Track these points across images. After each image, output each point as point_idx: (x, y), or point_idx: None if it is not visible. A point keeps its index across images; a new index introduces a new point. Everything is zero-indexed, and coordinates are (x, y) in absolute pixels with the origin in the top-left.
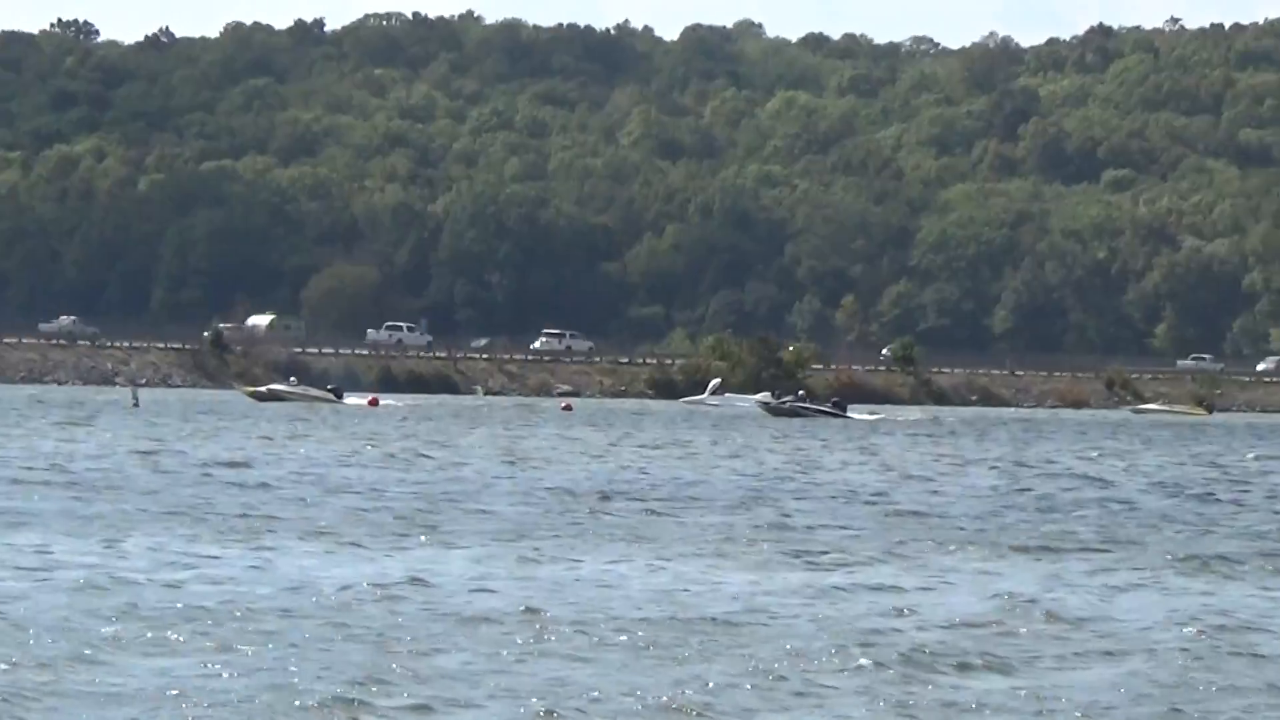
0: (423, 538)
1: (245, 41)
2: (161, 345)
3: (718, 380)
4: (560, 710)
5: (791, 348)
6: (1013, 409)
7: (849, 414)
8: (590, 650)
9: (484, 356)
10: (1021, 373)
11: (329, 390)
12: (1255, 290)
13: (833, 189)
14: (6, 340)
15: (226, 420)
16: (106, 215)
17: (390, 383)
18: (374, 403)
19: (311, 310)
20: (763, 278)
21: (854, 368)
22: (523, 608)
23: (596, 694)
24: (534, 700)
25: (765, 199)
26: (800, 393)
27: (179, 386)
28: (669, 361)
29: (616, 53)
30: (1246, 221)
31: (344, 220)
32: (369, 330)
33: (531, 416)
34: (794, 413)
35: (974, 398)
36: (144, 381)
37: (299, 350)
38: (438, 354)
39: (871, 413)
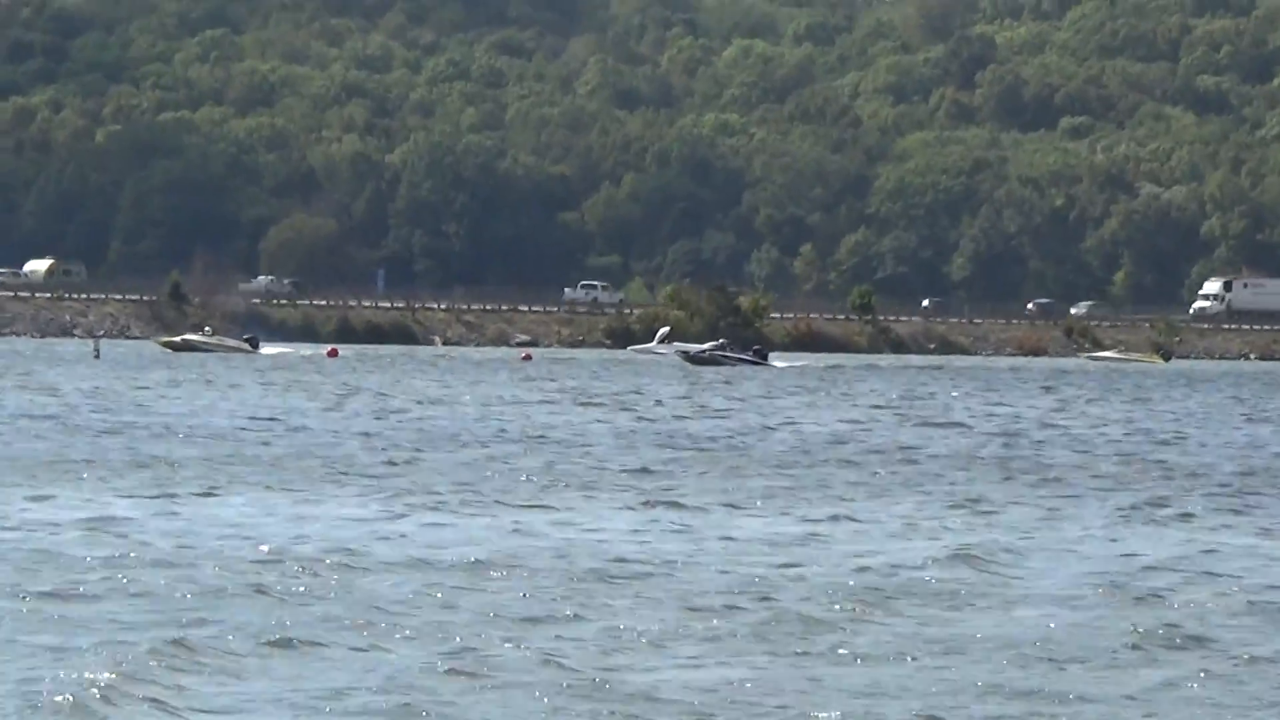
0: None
1: None
2: (119, 296)
3: (666, 329)
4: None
5: (752, 297)
6: (970, 357)
7: (770, 363)
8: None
9: (441, 306)
10: (980, 320)
11: (245, 340)
12: (1213, 237)
13: (790, 137)
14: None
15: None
16: (64, 167)
17: (349, 334)
18: (333, 353)
19: (270, 260)
20: (720, 227)
21: (812, 316)
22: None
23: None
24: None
25: (723, 148)
26: (722, 341)
27: (138, 338)
28: (627, 311)
29: (573, 2)
30: (1204, 168)
31: (301, 171)
32: (565, 289)
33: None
34: (713, 361)
35: (932, 346)
36: (102, 333)
37: (258, 301)
38: (395, 304)
39: (799, 362)
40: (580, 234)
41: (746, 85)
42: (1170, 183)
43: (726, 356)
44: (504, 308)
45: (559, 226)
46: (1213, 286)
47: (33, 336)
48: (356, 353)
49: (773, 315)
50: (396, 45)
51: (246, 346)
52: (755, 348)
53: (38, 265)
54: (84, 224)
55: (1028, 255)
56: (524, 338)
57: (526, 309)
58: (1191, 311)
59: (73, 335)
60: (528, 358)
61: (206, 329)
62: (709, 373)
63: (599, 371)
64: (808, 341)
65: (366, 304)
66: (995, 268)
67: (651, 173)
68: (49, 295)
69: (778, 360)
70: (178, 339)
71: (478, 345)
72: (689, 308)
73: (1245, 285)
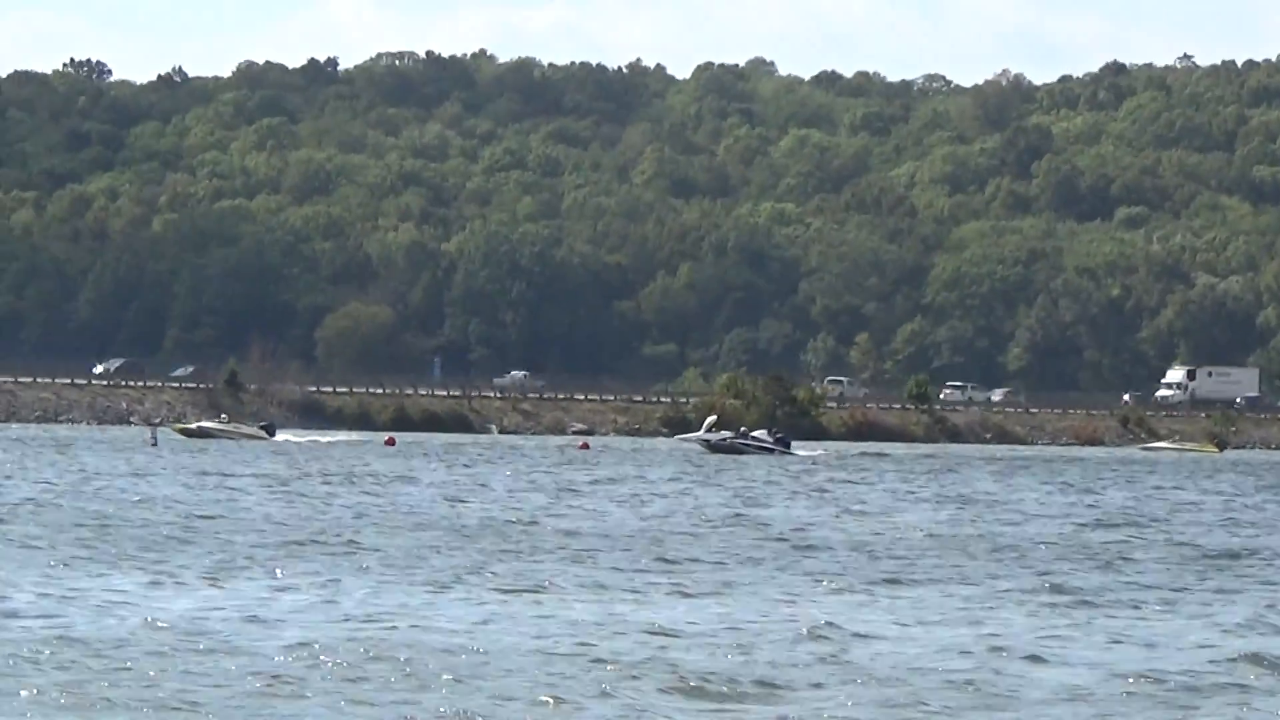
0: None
1: (258, 81)
2: (176, 384)
3: (713, 418)
4: None
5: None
6: (1027, 446)
7: (792, 450)
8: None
9: (498, 395)
10: (1036, 410)
11: (261, 427)
12: (1269, 327)
13: (846, 227)
14: (21, 380)
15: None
16: (120, 255)
17: (405, 422)
18: (390, 442)
19: (326, 348)
20: (777, 315)
21: (869, 405)
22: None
23: None
24: None
25: (779, 237)
26: (742, 429)
27: None
28: (683, 400)
29: (629, 91)
30: (1260, 258)
31: (357, 259)
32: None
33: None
34: (732, 449)
35: (989, 435)
36: (159, 421)
37: (313, 389)
38: (451, 392)
39: (820, 451)
40: (636, 323)
41: (803, 175)
42: (1226, 273)
43: (746, 444)
44: (560, 396)
45: (615, 315)
46: (1176, 375)
47: (89, 424)
48: (412, 440)
49: (829, 404)
50: (453, 134)
51: (262, 434)
52: (779, 435)
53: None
54: (140, 312)
55: (1084, 345)
56: (580, 426)
57: (583, 397)
58: (1156, 399)
59: (129, 423)
60: (585, 446)
61: (223, 416)
62: (716, 461)
63: (598, 460)
64: (864, 431)
65: (423, 392)
66: (1051, 357)
67: (707, 262)
68: (105, 383)
69: (801, 448)
70: (193, 426)
71: (534, 434)
72: (745, 397)
73: (1210, 374)
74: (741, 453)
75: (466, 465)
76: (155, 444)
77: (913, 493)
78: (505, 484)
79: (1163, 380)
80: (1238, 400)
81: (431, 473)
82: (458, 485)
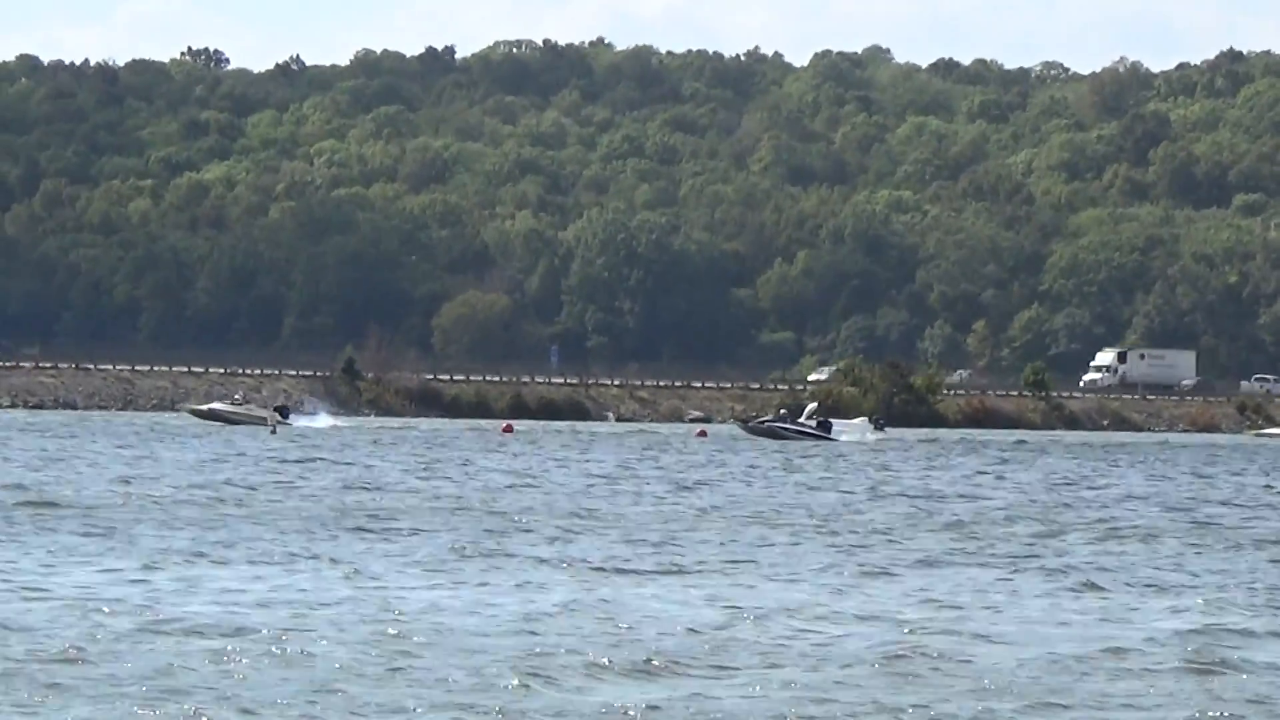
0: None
1: (375, 69)
2: (294, 373)
3: (814, 405)
4: None
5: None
6: (1143, 433)
7: (832, 436)
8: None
9: (615, 383)
10: (1153, 397)
11: (275, 410)
12: None
13: (964, 214)
14: (139, 368)
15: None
16: (237, 243)
17: (523, 410)
18: (508, 429)
19: (443, 337)
20: (894, 303)
21: (986, 392)
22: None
23: None
24: None
25: (896, 224)
26: (782, 412)
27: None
28: (800, 387)
29: (746, 79)
30: None
31: (475, 247)
32: (1242, 382)
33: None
34: (771, 433)
35: (1105, 422)
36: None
37: (430, 377)
38: (569, 380)
39: (862, 435)
40: (753, 310)
41: (920, 162)
42: None
43: (785, 428)
44: (677, 384)
45: (732, 303)
46: (1106, 358)
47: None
48: (528, 428)
49: (945, 392)
50: (570, 122)
51: (277, 416)
52: (819, 419)
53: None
54: (257, 300)
55: (1200, 331)
56: (697, 414)
57: (700, 385)
58: (1082, 384)
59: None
60: (703, 434)
61: (236, 397)
62: (766, 445)
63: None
64: (981, 418)
65: (540, 380)
66: (1168, 344)
67: (825, 249)
68: (222, 370)
69: (844, 432)
70: (204, 408)
71: (651, 421)
72: (862, 384)
73: (1142, 356)
74: (780, 437)
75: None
76: (274, 432)
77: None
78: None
79: (1092, 364)
80: (1180, 384)
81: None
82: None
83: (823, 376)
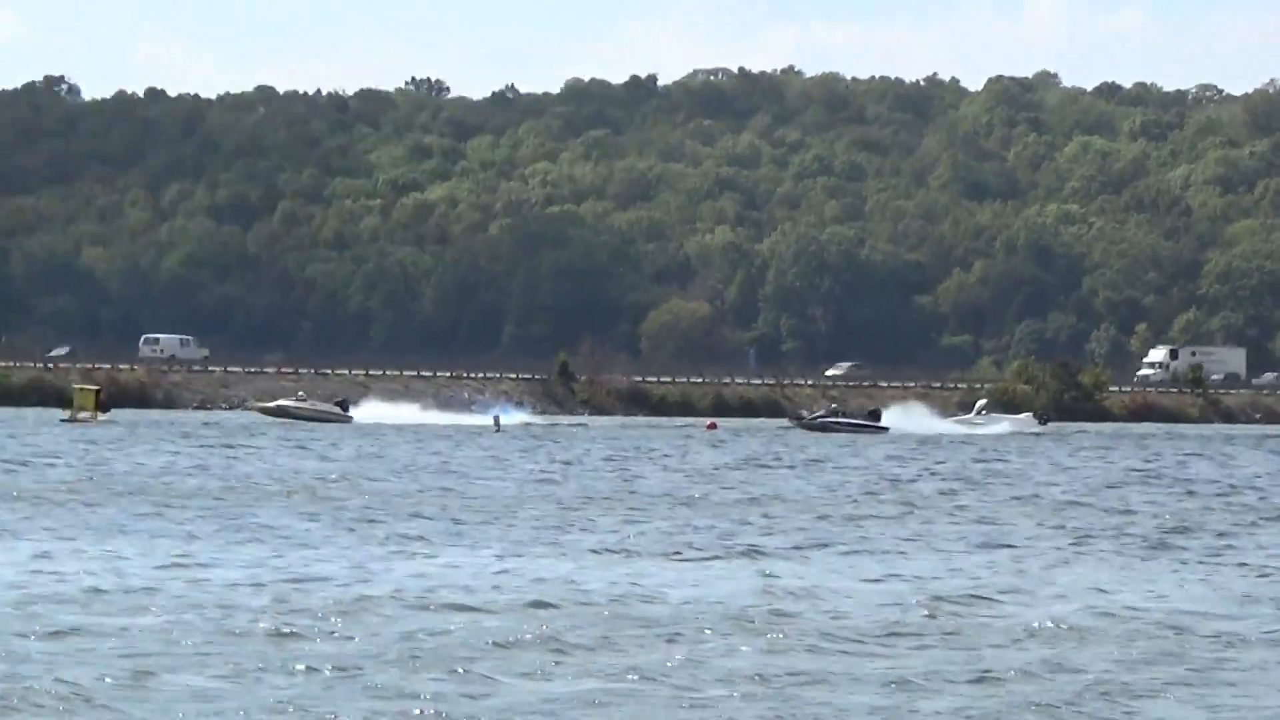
0: None
1: (584, 96)
2: (513, 376)
3: (983, 401)
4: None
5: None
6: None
7: (880, 426)
8: None
9: (808, 383)
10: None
11: (336, 404)
12: None
13: (1126, 226)
14: (372, 372)
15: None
16: (460, 257)
17: (724, 408)
18: (712, 426)
19: (650, 342)
20: (1063, 308)
21: (1147, 390)
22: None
23: None
24: None
25: (1064, 235)
26: (833, 407)
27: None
28: (977, 386)
29: (926, 102)
30: None
31: (678, 260)
32: None
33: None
34: (824, 428)
35: (1258, 416)
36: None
37: (638, 379)
38: (765, 380)
39: (1025, 426)
40: (934, 316)
41: (1086, 178)
42: None
43: (837, 423)
44: (865, 384)
45: (915, 309)
46: (1159, 354)
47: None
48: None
49: (1111, 389)
50: (764, 144)
51: (338, 410)
52: (871, 410)
53: (61, 350)
54: (478, 309)
55: None
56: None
57: (886, 384)
58: (1135, 379)
59: (470, 410)
60: (713, 425)
61: (300, 394)
62: (819, 437)
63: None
64: (1144, 413)
65: (739, 381)
66: None
67: (999, 259)
68: (448, 374)
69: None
70: (272, 405)
71: None
72: (1034, 383)
73: (1193, 354)
74: (832, 430)
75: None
76: (499, 430)
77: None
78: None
79: (1145, 360)
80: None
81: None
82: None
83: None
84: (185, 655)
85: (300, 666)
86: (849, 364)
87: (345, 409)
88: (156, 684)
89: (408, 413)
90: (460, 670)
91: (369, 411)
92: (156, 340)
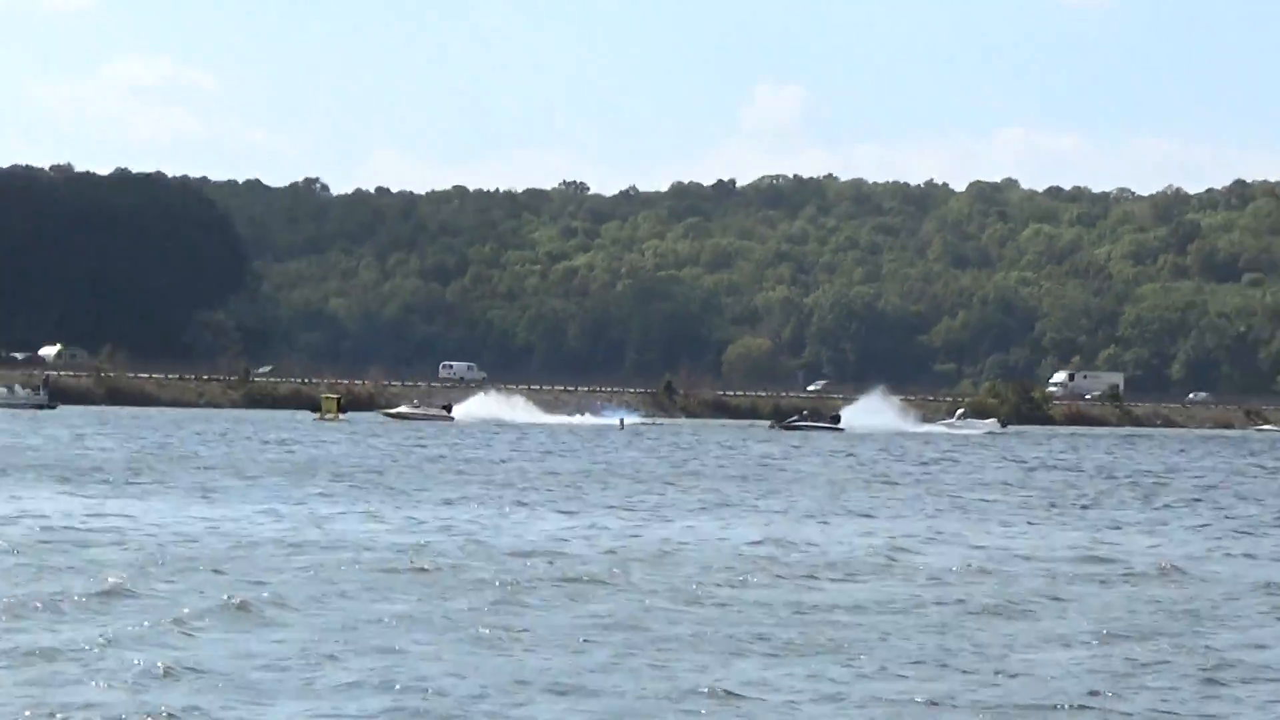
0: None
1: (685, 193)
2: (633, 390)
3: (962, 410)
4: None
5: None
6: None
7: (838, 427)
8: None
9: (840, 397)
10: (1173, 405)
11: (442, 408)
12: None
13: (1066, 287)
14: (533, 387)
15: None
16: (595, 306)
17: (781, 414)
18: (773, 426)
19: (729, 366)
20: (1020, 345)
21: (1078, 402)
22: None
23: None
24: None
25: (1022, 294)
26: (804, 412)
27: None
28: (960, 399)
29: (925, 199)
30: None
31: (749, 309)
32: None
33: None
34: (794, 428)
35: (1159, 421)
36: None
37: (721, 393)
38: (810, 394)
39: (990, 429)
40: (930, 350)
41: (1038, 253)
42: None
43: (803, 425)
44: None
45: (916, 345)
46: (1060, 376)
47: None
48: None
49: (1054, 402)
50: (810, 228)
51: (445, 414)
52: (833, 414)
53: (49, 350)
54: (608, 343)
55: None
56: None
57: (896, 398)
58: (1045, 393)
59: (601, 415)
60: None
61: (415, 401)
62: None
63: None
64: (1078, 419)
65: (792, 394)
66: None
67: (976, 310)
68: (587, 389)
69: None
70: (393, 410)
71: None
72: (1000, 398)
73: (1084, 376)
74: (800, 429)
75: None
76: (622, 428)
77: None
78: None
79: (1050, 380)
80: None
81: None
82: None
83: (815, 388)
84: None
85: None
86: (880, 386)
87: (449, 410)
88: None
89: (521, 413)
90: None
91: (468, 410)
92: (450, 366)
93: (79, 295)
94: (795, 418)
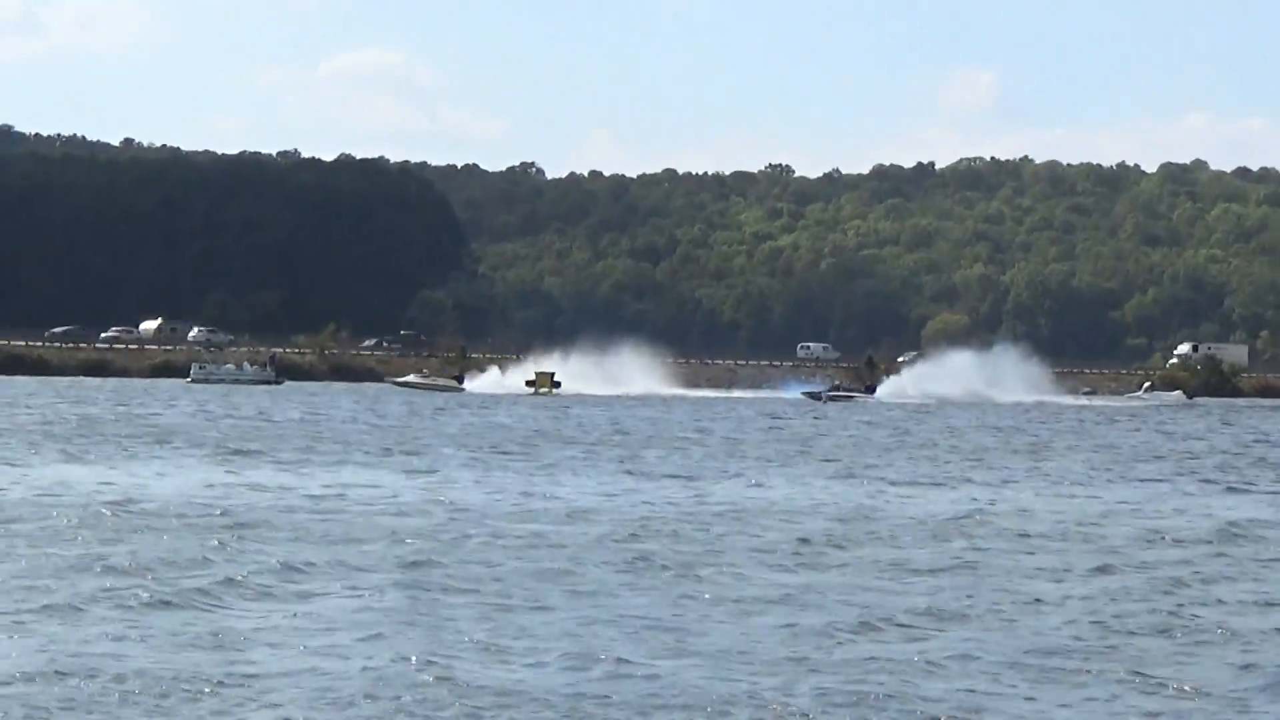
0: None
1: (885, 175)
2: (777, 364)
3: (1149, 383)
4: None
5: None
6: None
7: (873, 396)
8: None
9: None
10: None
11: (453, 378)
12: None
13: (1253, 264)
14: (739, 362)
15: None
16: (800, 285)
17: None
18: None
19: (927, 341)
20: (1210, 320)
21: (1268, 376)
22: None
23: None
24: None
25: (1211, 271)
26: (836, 383)
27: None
28: (1151, 373)
29: (1117, 180)
30: None
31: (948, 286)
32: None
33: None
34: (834, 399)
35: None
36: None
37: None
38: None
39: (1178, 400)
40: (1122, 325)
41: (1226, 231)
42: None
43: (838, 395)
44: (1073, 371)
45: (1109, 321)
46: (1183, 349)
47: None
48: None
49: (1243, 375)
50: (1007, 208)
51: (455, 384)
52: (867, 384)
53: (150, 324)
54: (814, 321)
55: None
56: (1089, 389)
57: (1089, 371)
58: (1168, 365)
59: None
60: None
61: (424, 370)
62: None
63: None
64: (1268, 391)
65: None
66: None
67: (1166, 287)
68: (791, 364)
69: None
70: (401, 380)
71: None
72: (1190, 371)
73: (1209, 349)
74: (837, 400)
75: None
76: (825, 401)
77: None
78: None
79: (1174, 352)
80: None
81: None
82: None
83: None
84: None
85: None
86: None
87: (461, 381)
88: None
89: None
90: None
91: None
92: (808, 347)
93: (304, 275)
94: (828, 388)
